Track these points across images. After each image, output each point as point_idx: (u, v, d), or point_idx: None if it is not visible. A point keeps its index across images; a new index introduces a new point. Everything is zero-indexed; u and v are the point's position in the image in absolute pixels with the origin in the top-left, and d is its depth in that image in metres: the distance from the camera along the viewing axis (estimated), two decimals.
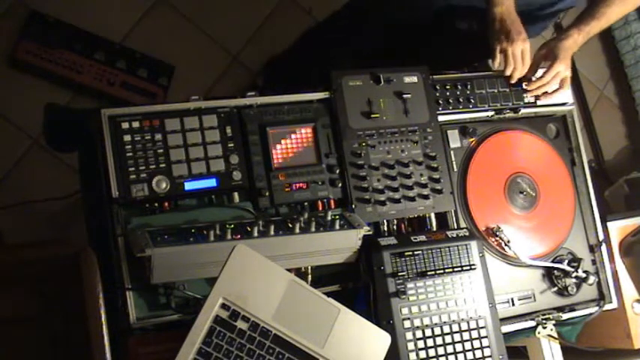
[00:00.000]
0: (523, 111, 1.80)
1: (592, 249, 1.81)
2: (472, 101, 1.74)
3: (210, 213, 1.47)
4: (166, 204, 1.45)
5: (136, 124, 1.44)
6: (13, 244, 1.95)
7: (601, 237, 1.81)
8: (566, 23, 3.00)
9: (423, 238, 1.55)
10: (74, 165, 1.72)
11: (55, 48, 2.19)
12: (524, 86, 1.78)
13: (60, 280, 1.32)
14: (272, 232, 1.42)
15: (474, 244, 1.58)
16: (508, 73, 1.75)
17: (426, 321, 1.50)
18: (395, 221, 1.62)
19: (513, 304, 1.69)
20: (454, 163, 1.70)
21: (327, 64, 1.86)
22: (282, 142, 1.54)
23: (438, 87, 1.71)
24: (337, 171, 1.57)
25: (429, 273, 1.51)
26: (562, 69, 1.78)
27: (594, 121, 3.00)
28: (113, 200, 1.39)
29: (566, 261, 1.74)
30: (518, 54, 1.70)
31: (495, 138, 1.75)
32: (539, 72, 1.79)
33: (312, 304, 1.36)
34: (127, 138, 1.43)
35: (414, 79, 1.67)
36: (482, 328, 1.54)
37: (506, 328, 1.64)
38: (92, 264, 1.29)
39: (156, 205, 1.44)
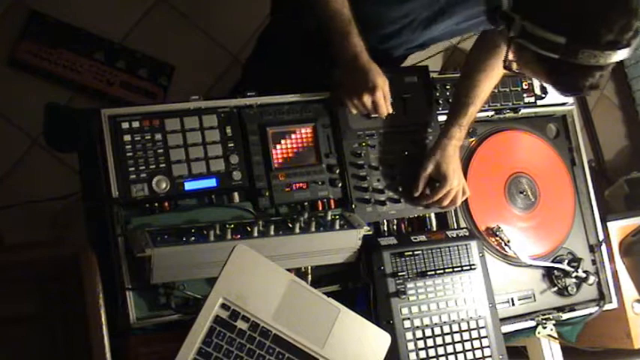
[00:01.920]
0: (523, 111, 1.80)
1: (592, 249, 1.81)
2: None
3: (210, 213, 1.47)
4: (166, 204, 1.45)
5: (136, 124, 1.44)
6: (13, 244, 1.95)
7: (601, 237, 1.81)
8: None
9: (423, 238, 1.55)
10: (74, 165, 1.72)
11: (55, 48, 2.19)
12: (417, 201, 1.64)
13: (60, 280, 1.32)
14: (272, 232, 1.42)
15: (474, 244, 1.58)
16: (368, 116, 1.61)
17: (426, 321, 1.50)
18: (395, 221, 1.62)
19: (513, 304, 1.69)
20: None
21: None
22: (282, 142, 1.54)
23: (438, 87, 1.71)
24: (337, 171, 1.57)
25: (429, 273, 1.51)
26: (454, 186, 1.61)
27: (594, 121, 2.99)
28: (113, 200, 1.39)
29: (566, 261, 1.74)
30: (368, 105, 1.51)
31: (495, 138, 1.75)
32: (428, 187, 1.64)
33: (312, 304, 1.35)
34: (127, 138, 1.43)
35: (414, 79, 1.67)
36: (482, 328, 1.54)
37: (506, 328, 1.64)
38: (92, 264, 1.29)
39: (156, 205, 1.44)
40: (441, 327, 1.51)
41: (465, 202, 1.68)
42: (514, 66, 1.35)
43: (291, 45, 1.77)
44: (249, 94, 1.54)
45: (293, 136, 1.55)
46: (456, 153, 1.62)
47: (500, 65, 1.43)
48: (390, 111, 1.55)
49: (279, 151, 1.53)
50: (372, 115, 1.60)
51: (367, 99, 1.50)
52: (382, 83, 1.50)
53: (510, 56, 1.34)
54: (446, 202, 1.61)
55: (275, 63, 1.90)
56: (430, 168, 1.61)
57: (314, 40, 1.62)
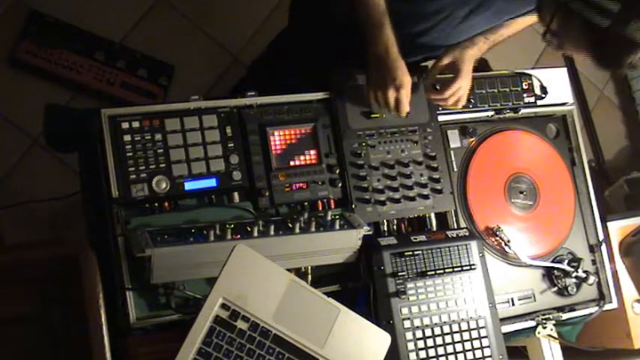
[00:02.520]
0: (523, 111, 1.80)
1: (592, 249, 1.81)
2: (472, 101, 1.74)
3: (210, 213, 1.47)
4: (166, 204, 1.45)
5: (136, 124, 1.44)
6: (13, 244, 1.95)
7: (601, 237, 1.81)
8: None
9: (423, 238, 1.55)
10: (74, 165, 1.72)
11: (55, 48, 2.19)
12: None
13: (60, 280, 1.32)
14: (272, 232, 1.42)
15: (474, 244, 1.58)
16: (385, 116, 1.62)
17: (426, 321, 1.50)
18: (395, 221, 1.62)
19: (513, 304, 1.69)
20: (454, 163, 1.70)
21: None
22: (282, 141, 1.54)
23: (438, 87, 1.71)
24: (337, 171, 1.57)
25: (429, 273, 1.51)
26: (464, 84, 1.63)
27: (594, 121, 3.00)
28: (113, 200, 1.39)
29: (566, 261, 1.74)
30: (391, 102, 1.52)
31: (495, 138, 1.75)
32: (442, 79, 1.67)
33: (312, 304, 1.36)
34: (127, 138, 1.43)
35: (414, 79, 1.67)
36: (482, 328, 1.54)
37: (506, 328, 1.64)
38: (92, 264, 1.29)
39: (156, 205, 1.44)
40: (441, 327, 1.51)
41: (465, 202, 1.68)
42: (554, 40, 1.35)
43: (303, 60, 1.79)
44: (249, 94, 1.54)
45: (293, 135, 1.55)
46: (472, 60, 1.64)
47: None
48: (409, 111, 1.56)
49: (279, 151, 1.53)
50: (372, 116, 1.61)
51: (392, 95, 1.51)
52: (408, 82, 1.51)
53: (554, 26, 1.32)
54: (451, 101, 1.64)
55: (282, 73, 1.90)
56: (447, 60, 1.63)
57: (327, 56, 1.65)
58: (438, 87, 1.67)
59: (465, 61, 1.63)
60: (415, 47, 1.70)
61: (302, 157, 1.56)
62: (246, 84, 2.13)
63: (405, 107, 1.54)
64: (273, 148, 1.53)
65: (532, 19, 1.63)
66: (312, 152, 1.57)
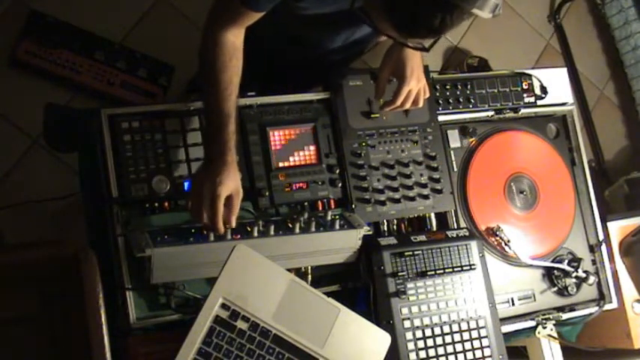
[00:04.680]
0: (523, 111, 1.80)
1: (592, 249, 1.81)
2: (472, 101, 1.74)
3: None
4: (166, 204, 1.45)
5: (135, 124, 1.44)
6: (13, 244, 1.95)
7: (601, 237, 1.81)
8: (567, 24, 3.03)
9: (423, 238, 1.55)
10: (74, 165, 1.72)
11: (55, 48, 2.19)
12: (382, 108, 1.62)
13: (60, 281, 1.32)
14: (272, 232, 1.42)
15: (474, 244, 1.58)
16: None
17: (426, 321, 1.50)
18: (395, 221, 1.62)
19: (513, 304, 1.69)
20: (454, 163, 1.70)
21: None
22: (282, 141, 1.54)
23: (438, 87, 1.71)
24: (337, 171, 1.57)
25: (429, 273, 1.51)
26: (412, 85, 1.56)
27: (594, 121, 2.99)
28: (113, 200, 1.39)
29: (566, 261, 1.74)
30: (205, 211, 1.34)
31: (495, 138, 1.75)
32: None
33: (312, 304, 1.36)
34: (127, 138, 1.43)
35: (419, 104, 1.66)
36: (482, 328, 1.54)
37: (506, 328, 1.64)
38: (92, 264, 1.29)
39: (156, 205, 1.44)
40: (441, 327, 1.51)
41: (465, 202, 1.68)
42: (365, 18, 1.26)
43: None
44: (249, 94, 1.54)
45: (293, 135, 1.55)
46: (415, 53, 1.54)
47: None
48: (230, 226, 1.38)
49: (279, 151, 1.53)
50: (372, 116, 1.61)
51: (207, 204, 1.33)
52: (225, 192, 1.34)
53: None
54: (408, 105, 1.59)
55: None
56: (386, 73, 1.57)
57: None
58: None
59: (406, 62, 1.55)
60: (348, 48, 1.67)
61: (302, 157, 1.56)
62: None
63: (219, 224, 1.34)
64: (273, 148, 1.53)
65: None
66: (312, 152, 1.57)
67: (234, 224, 1.36)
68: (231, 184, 1.35)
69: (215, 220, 1.33)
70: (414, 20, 1.16)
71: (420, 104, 1.61)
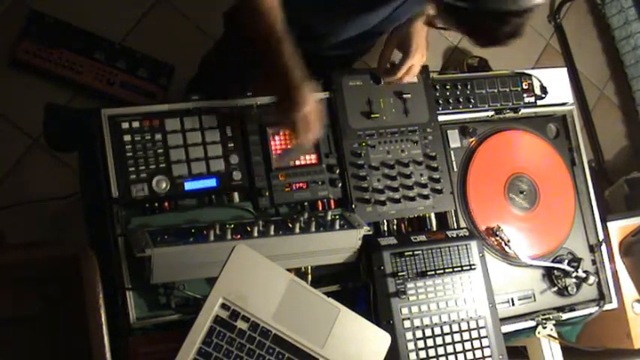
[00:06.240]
0: (523, 111, 1.80)
1: (592, 249, 1.81)
2: (472, 101, 1.74)
3: (210, 213, 1.47)
4: (166, 204, 1.45)
5: (136, 124, 1.44)
6: (13, 244, 1.95)
7: (601, 237, 1.81)
8: (567, 24, 3.03)
9: (423, 238, 1.55)
10: (74, 165, 1.73)
11: (55, 48, 2.19)
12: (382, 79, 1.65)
13: (60, 281, 1.32)
14: (272, 232, 1.42)
15: (474, 244, 1.58)
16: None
17: (426, 321, 1.50)
18: (395, 221, 1.62)
19: (513, 304, 1.69)
20: (454, 163, 1.70)
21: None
22: (282, 141, 1.54)
23: (438, 87, 1.71)
24: (337, 171, 1.57)
25: (429, 273, 1.51)
26: (416, 60, 1.62)
27: (594, 121, 3.00)
28: (113, 200, 1.39)
29: (566, 261, 1.74)
30: (299, 125, 1.40)
31: (495, 138, 1.75)
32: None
33: (312, 304, 1.36)
34: (127, 138, 1.43)
35: (414, 79, 1.67)
36: (482, 328, 1.54)
37: (506, 328, 1.64)
38: (92, 264, 1.29)
39: (156, 205, 1.44)
40: (441, 327, 1.51)
41: (465, 202, 1.68)
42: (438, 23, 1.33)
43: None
44: (249, 94, 1.54)
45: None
46: (423, 29, 1.61)
47: None
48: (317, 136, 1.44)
49: (279, 151, 1.53)
50: (372, 116, 1.61)
51: (299, 119, 1.38)
52: (311, 100, 1.39)
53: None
54: (407, 78, 1.64)
55: (234, 65, 1.88)
56: (393, 42, 1.63)
57: None
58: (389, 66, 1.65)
59: (414, 35, 1.60)
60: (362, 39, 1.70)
61: (302, 157, 1.56)
62: (200, 81, 2.13)
63: (315, 127, 1.41)
64: (273, 148, 1.53)
65: None
66: (312, 152, 1.57)
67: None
68: (310, 94, 1.39)
69: (313, 124, 1.39)
70: (495, 40, 1.27)
71: (413, 78, 1.65)
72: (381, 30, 1.70)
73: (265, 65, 1.40)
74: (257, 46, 1.39)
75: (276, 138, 1.53)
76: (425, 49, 1.64)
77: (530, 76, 1.82)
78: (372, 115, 1.62)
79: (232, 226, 1.41)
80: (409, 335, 1.48)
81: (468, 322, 1.53)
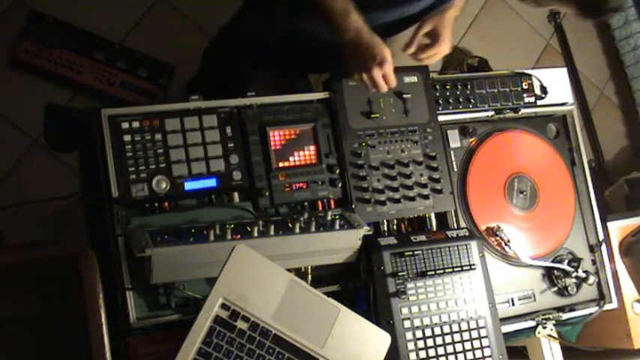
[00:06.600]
0: (523, 111, 1.80)
1: (592, 249, 1.81)
2: (472, 101, 1.74)
3: (210, 213, 1.47)
4: (166, 204, 1.45)
5: (136, 124, 1.44)
6: (13, 244, 1.95)
7: (601, 237, 1.81)
8: (567, 24, 3.03)
9: (423, 238, 1.55)
10: (74, 165, 1.72)
11: (55, 48, 2.19)
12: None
13: (60, 281, 1.32)
14: (272, 232, 1.42)
15: (474, 244, 1.58)
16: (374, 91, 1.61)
17: (426, 321, 1.50)
18: (395, 221, 1.62)
19: (513, 304, 1.69)
20: (454, 163, 1.70)
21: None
22: (282, 140, 1.54)
23: (438, 87, 1.71)
24: (337, 171, 1.57)
25: (429, 273, 1.51)
26: (443, 49, 1.71)
27: (594, 121, 3.00)
28: (113, 200, 1.39)
29: (566, 261, 1.74)
30: (378, 79, 1.54)
31: (495, 138, 1.75)
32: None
33: (312, 304, 1.36)
34: (127, 138, 1.43)
35: (414, 79, 1.67)
36: (482, 328, 1.54)
37: (506, 328, 1.64)
38: (92, 264, 1.29)
39: (156, 205, 1.44)
40: (441, 327, 1.51)
41: (465, 202, 1.68)
42: None
43: (255, 49, 1.82)
44: (249, 94, 1.54)
45: (293, 135, 1.55)
46: (452, 21, 1.70)
47: None
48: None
49: (279, 151, 1.53)
50: (372, 116, 1.61)
51: (377, 73, 1.53)
52: (388, 55, 1.53)
53: None
54: (427, 61, 1.71)
55: (237, 64, 1.91)
56: (428, 27, 1.69)
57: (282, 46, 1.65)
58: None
59: (446, 25, 1.69)
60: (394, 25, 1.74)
61: (302, 157, 1.56)
62: (200, 81, 2.14)
63: (393, 80, 1.56)
64: (273, 148, 1.53)
65: None
66: (312, 152, 1.57)
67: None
68: (385, 48, 1.52)
69: (393, 80, 1.56)
70: (600, 12, 1.37)
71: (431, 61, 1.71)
72: (418, 18, 1.74)
73: (341, 36, 1.52)
74: (331, 23, 1.52)
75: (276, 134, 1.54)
76: (450, 40, 1.71)
77: (530, 76, 1.82)
78: (372, 115, 1.62)
79: (232, 226, 1.41)
80: (409, 335, 1.48)
81: (468, 322, 1.53)
